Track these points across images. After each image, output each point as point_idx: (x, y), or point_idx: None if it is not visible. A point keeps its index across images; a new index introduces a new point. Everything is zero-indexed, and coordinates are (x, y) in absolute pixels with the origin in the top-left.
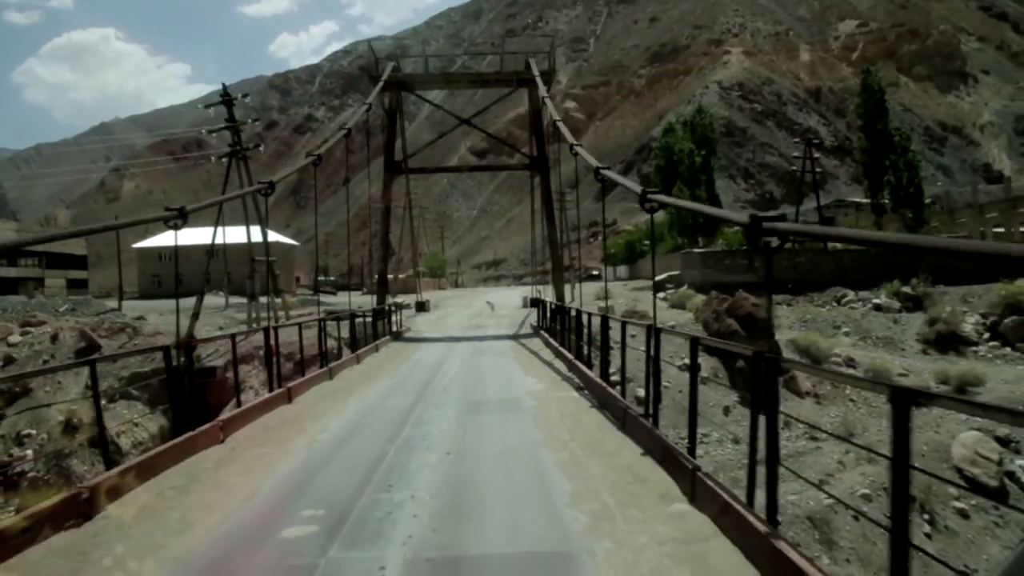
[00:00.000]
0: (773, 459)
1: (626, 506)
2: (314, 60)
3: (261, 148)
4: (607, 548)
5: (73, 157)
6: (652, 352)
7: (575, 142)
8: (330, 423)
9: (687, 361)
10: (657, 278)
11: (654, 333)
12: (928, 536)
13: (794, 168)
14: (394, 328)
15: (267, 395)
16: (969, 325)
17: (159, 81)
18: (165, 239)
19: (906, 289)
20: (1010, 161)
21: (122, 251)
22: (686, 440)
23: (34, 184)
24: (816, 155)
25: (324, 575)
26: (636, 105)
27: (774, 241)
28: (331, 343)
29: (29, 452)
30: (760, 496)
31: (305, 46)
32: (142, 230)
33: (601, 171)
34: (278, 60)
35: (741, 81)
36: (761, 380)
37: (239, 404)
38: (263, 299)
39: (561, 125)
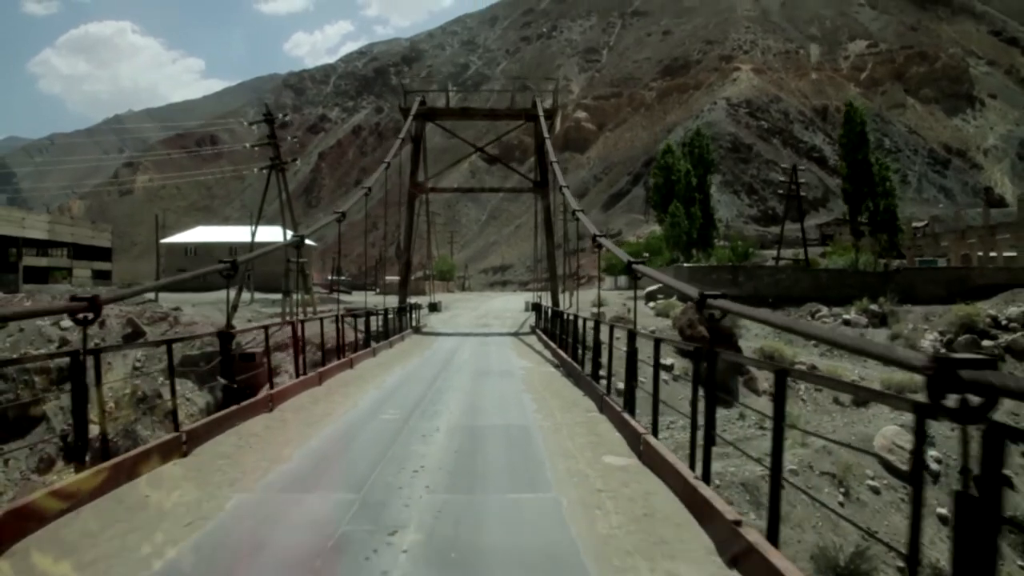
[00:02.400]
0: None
1: (563, 412)
2: (328, 60)
3: (297, 162)
4: (548, 424)
5: (87, 148)
6: (595, 338)
7: (564, 183)
8: (386, 379)
9: (665, 361)
10: (650, 289)
11: (595, 326)
12: (841, 504)
13: (780, 192)
14: (414, 324)
15: (337, 362)
16: (927, 341)
17: (173, 75)
18: (189, 235)
19: (873, 307)
20: (1012, 185)
21: (145, 245)
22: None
23: (47, 174)
24: (801, 180)
25: (410, 429)
26: (646, 117)
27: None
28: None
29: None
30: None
31: (320, 45)
32: (161, 224)
33: (576, 212)
34: (292, 58)
35: (749, 98)
36: (783, 391)
37: (312, 366)
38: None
39: (556, 167)
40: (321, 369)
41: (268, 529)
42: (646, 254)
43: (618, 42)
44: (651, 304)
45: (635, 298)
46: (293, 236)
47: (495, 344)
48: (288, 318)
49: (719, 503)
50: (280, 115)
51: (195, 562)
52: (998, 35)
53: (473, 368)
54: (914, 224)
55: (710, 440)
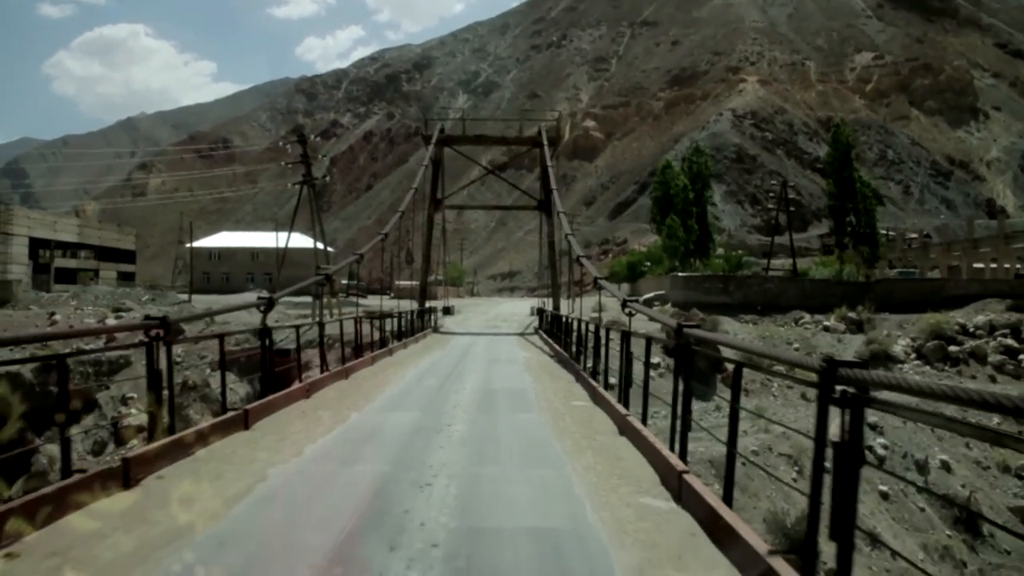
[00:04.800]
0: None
1: (551, 381)
2: (340, 64)
3: (327, 178)
4: (539, 387)
5: (99, 150)
6: (577, 332)
7: (561, 209)
8: (420, 363)
9: (653, 360)
10: (647, 296)
11: (577, 322)
12: (795, 480)
13: (771, 208)
14: (432, 325)
15: (381, 350)
16: (899, 346)
17: (185, 78)
18: (213, 240)
19: (851, 315)
20: (1014, 197)
21: (158, 247)
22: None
23: (60, 175)
24: (801, 192)
25: (445, 389)
26: (653, 127)
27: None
28: (388, 331)
29: (133, 410)
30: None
31: (331, 50)
32: (174, 227)
33: (568, 236)
34: (304, 63)
35: (755, 109)
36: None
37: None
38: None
39: (555, 195)
40: (372, 354)
41: (378, 426)
42: (647, 263)
43: (627, 51)
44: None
45: (599, 303)
46: (353, 254)
47: (503, 341)
48: (317, 319)
49: (621, 408)
50: (313, 136)
51: (342, 438)
52: (1004, 47)
53: (486, 357)
54: (908, 236)
55: (628, 384)
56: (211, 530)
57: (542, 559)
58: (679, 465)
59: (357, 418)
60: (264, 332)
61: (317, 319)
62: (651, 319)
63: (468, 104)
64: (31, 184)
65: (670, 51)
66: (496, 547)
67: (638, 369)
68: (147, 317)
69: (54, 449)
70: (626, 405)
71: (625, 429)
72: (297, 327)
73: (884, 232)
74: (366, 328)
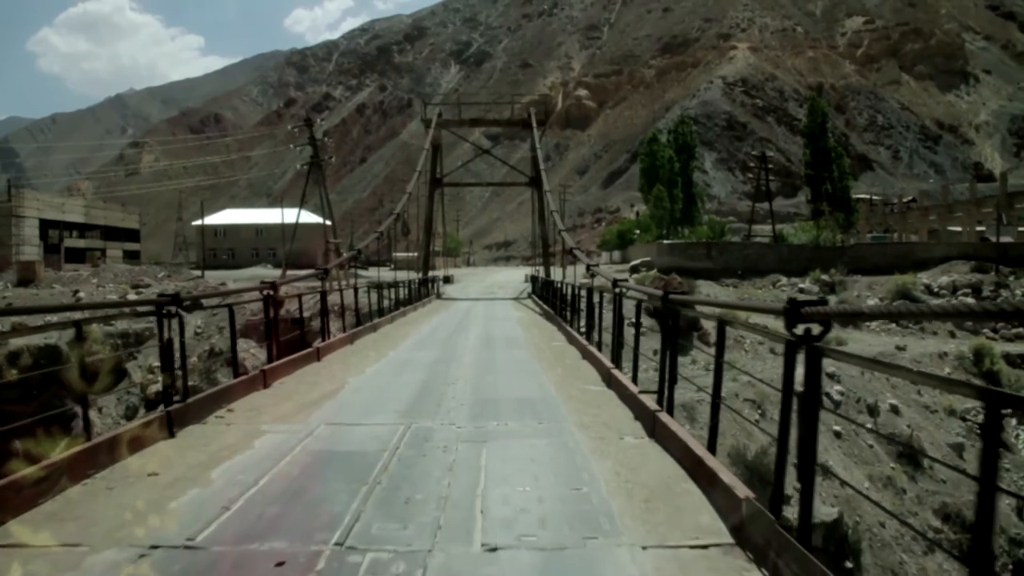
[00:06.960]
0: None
1: (538, 331)
2: (329, 36)
3: (332, 159)
4: (527, 335)
5: (89, 127)
6: (560, 293)
7: (548, 188)
8: (431, 321)
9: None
10: (635, 262)
11: (556, 285)
12: (757, 421)
13: (749, 175)
14: (436, 291)
15: (398, 312)
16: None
17: (173, 53)
18: (219, 218)
19: (825, 277)
20: (1002, 160)
21: (153, 225)
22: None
23: (50, 154)
24: (782, 164)
25: (455, 338)
26: (645, 95)
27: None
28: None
29: (159, 377)
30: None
31: (320, 21)
32: (168, 205)
33: (553, 212)
34: (293, 35)
35: (745, 77)
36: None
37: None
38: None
39: (543, 174)
40: (390, 315)
41: (411, 358)
42: (636, 231)
43: (618, 19)
44: (635, 275)
45: (574, 268)
46: (375, 233)
47: (500, 305)
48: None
49: (583, 340)
50: (318, 119)
51: (388, 364)
52: (995, 10)
53: (485, 316)
54: (890, 201)
55: (591, 328)
56: (328, 403)
57: (522, 407)
58: (612, 367)
59: (393, 354)
60: (323, 295)
61: (337, 288)
62: (605, 278)
63: (460, 75)
64: (22, 163)
65: (661, 18)
66: (496, 404)
67: (615, 321)
68: (262, 282)
69: (90, 414)
70: (590, 342)
71: (586, 355)
72: (341, 290)
73: (869, 197)
74: (375, 295)
